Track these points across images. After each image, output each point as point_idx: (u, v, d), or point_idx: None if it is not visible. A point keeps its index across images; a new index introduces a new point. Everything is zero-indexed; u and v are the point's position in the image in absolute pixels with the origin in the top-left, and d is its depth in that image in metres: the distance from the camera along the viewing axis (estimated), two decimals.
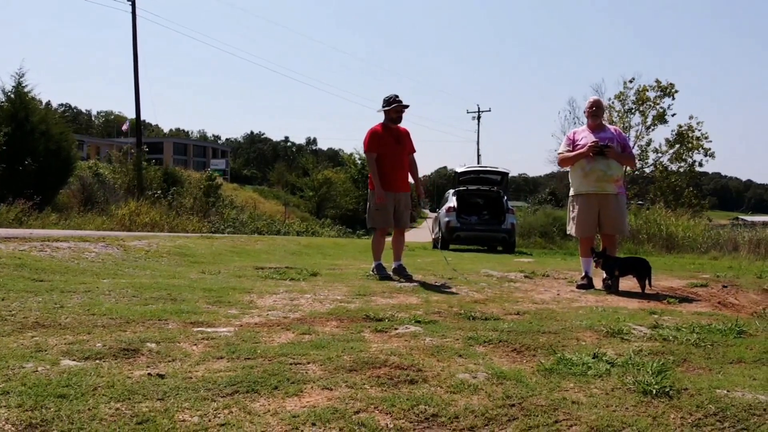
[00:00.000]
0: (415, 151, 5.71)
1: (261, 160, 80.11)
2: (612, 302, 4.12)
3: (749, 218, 28.34)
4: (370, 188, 5.51)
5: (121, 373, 1.87)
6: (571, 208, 5.23)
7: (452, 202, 13.09)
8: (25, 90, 16.17)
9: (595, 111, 5.19)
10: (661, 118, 28.04)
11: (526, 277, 5.71)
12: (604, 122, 5.32)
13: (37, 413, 1.49)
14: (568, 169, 5.30)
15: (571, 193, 5.25)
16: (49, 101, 16.42)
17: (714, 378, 2.06)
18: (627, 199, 6.27)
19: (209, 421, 1.52)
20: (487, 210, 13.74)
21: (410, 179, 5.81)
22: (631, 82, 27.90)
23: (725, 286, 5.25)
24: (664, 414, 1.68)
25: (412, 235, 12.05)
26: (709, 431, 1.60)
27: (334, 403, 1.68)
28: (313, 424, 1.52)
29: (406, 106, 5.54)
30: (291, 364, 2.05)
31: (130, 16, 22.20)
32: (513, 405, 1.72)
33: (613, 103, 27.59)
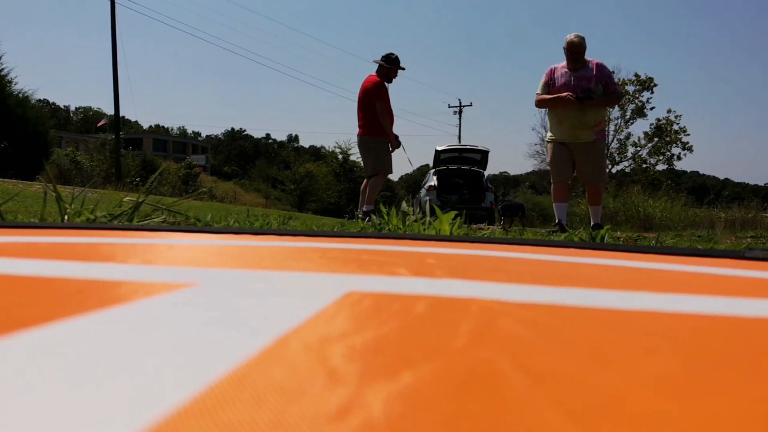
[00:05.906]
0: None
1: (242, 157, 79.42)
2: None
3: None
4: (376, 135, 5.66)
5: None
6: (547, 152, 5.11)
7: (432, 181, 13.05)
8: (2, 73, 15.86)
9: (573, 56, 4.83)
10: (639, 112, 28.35)
11: (503, 229, 5.73)
12: (585, 57, 4.90)
13: None
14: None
15: (547, 137, 5.12)
16: (27, 96, 16.19)
17: None
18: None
19: None
20: (467, 189, 13.65)
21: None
22: None
23: (699, 236, 5.32)
24: None
25: None
26: None
27: None
28: None
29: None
30: None
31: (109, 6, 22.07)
32: None
33: None
